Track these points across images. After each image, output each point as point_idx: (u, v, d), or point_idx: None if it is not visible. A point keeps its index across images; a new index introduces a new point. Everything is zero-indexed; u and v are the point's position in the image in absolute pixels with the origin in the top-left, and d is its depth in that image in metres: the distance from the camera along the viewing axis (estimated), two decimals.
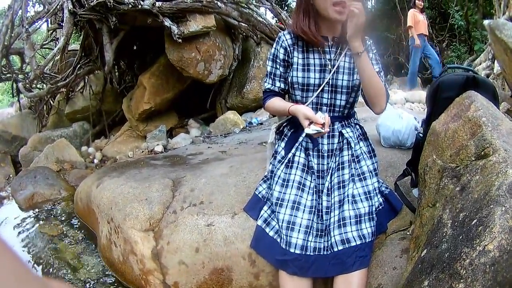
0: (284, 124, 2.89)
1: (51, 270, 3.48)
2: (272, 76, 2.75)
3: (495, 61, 8.85)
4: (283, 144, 2.81)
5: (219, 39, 6.82)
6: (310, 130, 2.34)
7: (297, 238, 2.45)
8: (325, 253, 2.44)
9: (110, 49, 6.61)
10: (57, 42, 7.72)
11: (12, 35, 7.05)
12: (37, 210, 4.82)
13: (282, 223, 2.52)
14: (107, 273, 3.36)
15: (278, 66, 2.71)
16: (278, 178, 2.70)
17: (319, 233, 2.52)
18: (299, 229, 2.47)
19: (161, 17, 5.92)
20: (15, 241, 4.06)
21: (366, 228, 2.47)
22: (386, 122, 3.46)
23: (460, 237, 1.69)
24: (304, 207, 2.56)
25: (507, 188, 1.67)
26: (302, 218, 2.52)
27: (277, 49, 2.70)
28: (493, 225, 1.56)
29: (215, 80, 6.89)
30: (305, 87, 2.63)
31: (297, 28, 2.57)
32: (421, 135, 2.88)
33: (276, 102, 2.73)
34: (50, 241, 3.97)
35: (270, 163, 2.89)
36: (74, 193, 4.71)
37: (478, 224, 1.63)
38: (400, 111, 3.61)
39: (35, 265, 3.60)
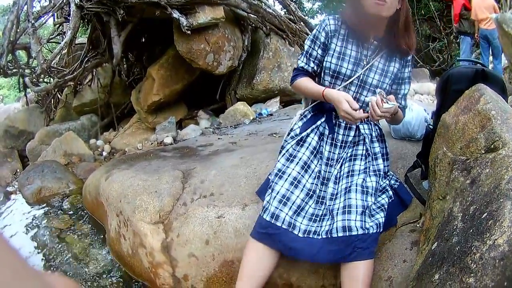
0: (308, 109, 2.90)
1: (59, 263, 3.47)
2: (308, 56, 2.76)
3: (503, 54, 8.81)
4: (300, 123, 2.83)
5: (228, 30, 6.80)
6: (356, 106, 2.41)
7: (286, 214, 2.43)
8: (315, 237, 2.39)
9: (118, 41, 6.59)
10: (64, 36, 7.71)
11: (18, 30, 7.03)
12: (45, 204, 4.82)
13: (277, 194, 2.49)
14: (115, 266, 3.34)
15: (316, 48, 2.72)
16: (286, 152, 2.72)
17: (314, 217, 2.50)
18: (291, 206, 2.46)
19: (169, 9, 5.89)
20: (23, 236, 4.06)
21: (372, 220, 2.44)
22: None
23: (471, 231, 1.69)
24: (303, 187, 2.56)
25: None
26: (297, 196, 2.51)
27: (319, 31, 2.70)
28: (503, 219, 1.57)
29: (225, 71, 6.88)
30: (335, 75, 2.66)
31: (349, 18, 2.59)
32: (431, 127, 2.92)
33: (308, 83, 2.75)
34: (58, 234, 3.96)
35: (285, 140, 2.88)
36: (82, 186, 4.69)
37: (488, 218, 1.64)
38: (410, 103, 3.59)
39: (43, 258, 3.59)
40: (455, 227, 1.83)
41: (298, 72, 2.81)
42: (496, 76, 2.62)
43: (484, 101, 2.16)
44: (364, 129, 2.71)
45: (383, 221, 2.49)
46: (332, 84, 2.67)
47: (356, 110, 2.38)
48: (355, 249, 2.31)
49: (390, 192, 2.68)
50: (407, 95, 2.90)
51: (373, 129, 2.78)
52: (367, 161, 2.67)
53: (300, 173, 2.59)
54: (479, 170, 1.95)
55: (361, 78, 2.62)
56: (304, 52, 2.78)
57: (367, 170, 2.64)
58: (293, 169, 2.59)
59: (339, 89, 2.62)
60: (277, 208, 2.43)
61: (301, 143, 2.71)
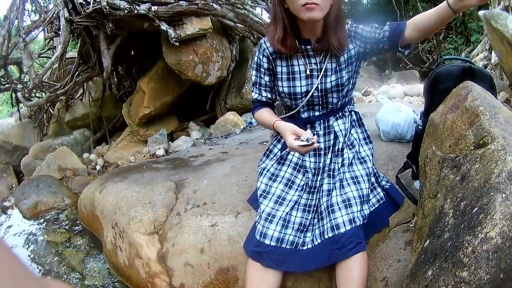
0: None
1: (57, 277, 3.49)
2: (258, 86, 2.74)
3: (492, 52, 8.83)
4: (279, 146, 2.80)
5: (216, 40, 6.82)
6: (299, 142, 2.32)
7: (274, 230, 2.43)
8: (301, 248, 2.41)
9: (107, 55, 6.61)
10: (55, 51, 7.70)
11: (10, 45, 7.04)
12: (41, 218, 4.84)
13: (262, 213, 2.51)
14: (113, 278, 3.37)
15: (262, 76, 2.69)
16: (267, 172, 2.70)
17: (301, 227, 2.48)
18: (278, 222, 2.46)
19: (157, 21, 5.91)
20: (20, 250, 4.08)
21: (353, 212, 2.41)
22: (385, 116, 3.45)
23: (462, 226, 1.68)
24: (289, 202, 2.55)
25: (507, 175, 1.67)
26: (283, 211, 2.50)
27: (260, 58, 2.67)
28: (494, 212, 1.56)
29: (214, 81, 6.87)
30: (293, 96, 2.62)
31: (274, 40, 2.50)
32: (420, 127, 2.87)
33: (262, 115, 2.73)
34: (55, 248, 3.99)
35: (261, 160, 2.88)
36: (77, 200, 4.72)
37: (479, 212, 1.62)
38: (398, 105, 3.61)
39: (41, 273, 3.61)
40: (446, 223, 1.82)
41: (255, 104, 2.80)
42: (484, 72, 2.58)
43: (472, 98, 2.15)
44: (338, 125, 2.69)
45: (367, 213, 2.49)
46: (294, 104, 2.65)
47: (304, 139, 2.30)
48: (344, 245, 2.29)
49: (381, 193, 2.67)
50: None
51: (348, 119, 2.74)
52: (348, 151, 2.66)
53: (284, 191, 2.60)
54: (468, 166, 1.93)
55: (320, 87, 2.57)
56: (253, 83, 2.76)
57: (354, 159, 2.65)
58: (276, 188, 2.61)
59: (303, 104, 2.61)
60: (264, 227, 2.45)
61: (282, 161, 2.71)
